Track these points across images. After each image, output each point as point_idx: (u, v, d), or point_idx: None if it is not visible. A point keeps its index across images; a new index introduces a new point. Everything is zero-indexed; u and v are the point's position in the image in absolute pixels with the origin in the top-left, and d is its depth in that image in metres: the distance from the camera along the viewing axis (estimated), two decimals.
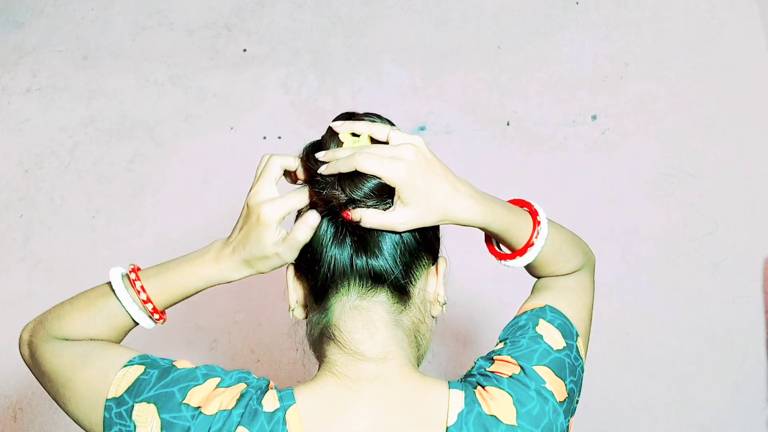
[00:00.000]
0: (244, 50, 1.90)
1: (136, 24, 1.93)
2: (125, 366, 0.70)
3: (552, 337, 0.72)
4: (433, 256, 0.73)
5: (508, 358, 0.70)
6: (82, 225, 1.79)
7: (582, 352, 0.75)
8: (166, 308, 0.77)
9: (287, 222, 0.70)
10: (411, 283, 0.70)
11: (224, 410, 0.65)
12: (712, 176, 1.74)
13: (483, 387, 0.67)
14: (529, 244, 0.74)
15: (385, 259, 0.67)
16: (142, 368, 0.70)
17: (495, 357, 0.71)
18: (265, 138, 1.82)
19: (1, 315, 1.72)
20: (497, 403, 0.65)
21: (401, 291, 0.69)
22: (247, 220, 0.70)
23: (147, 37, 1.92)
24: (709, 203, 1.72)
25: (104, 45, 1.92)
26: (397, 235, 0.68)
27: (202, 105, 1.86)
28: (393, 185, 0.65)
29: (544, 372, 0.68)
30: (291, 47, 1.89)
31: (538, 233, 0.74)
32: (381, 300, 0.69)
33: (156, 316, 0.76)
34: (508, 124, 1.81)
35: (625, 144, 1.76)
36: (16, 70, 1.91)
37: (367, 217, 0.66)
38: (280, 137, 1.82)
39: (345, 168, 0.66)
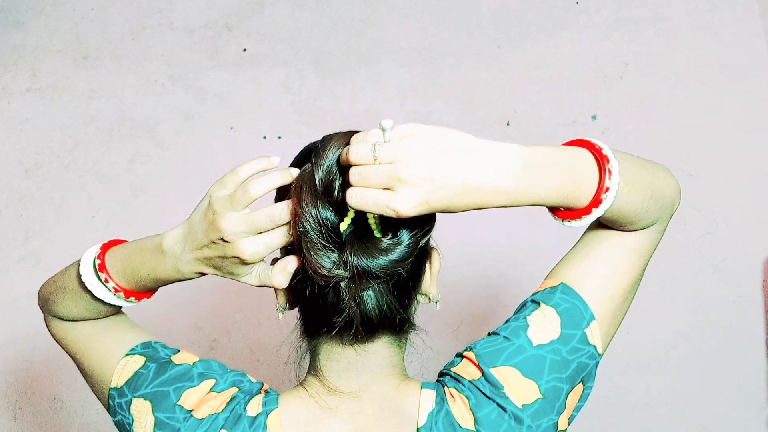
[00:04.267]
0: (244, 50, 1.90)
1: (136, 24, 1.93)
2: (127, 355, 0.71)
3: (543, 327, 0.66)
4: (427, 254, 0.70)
5: (473, 357, 0.67)
6: (82, 225, 1.79)
7: (594, 338, 0.68)
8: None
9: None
10: (410, 310, 0.68)
11: (212, 414, 0.66)
12: (712, 176, 1.74)
13: (449, 387, 0.67)
14: (589, 209, 0.60)
15: (387, 309, 0.64)
16: (142, 360, 0.71)
17: (464, 354, 0.69)
18: (265, 138, 1.82)
19: (1, 315, 1.72)
20: (458, 406, 0.65)
21: (403, 327, 0.68)
22: (219, 248, 0.62)
23: (147, 37, 1.92)
24: (709, 203, 1.72)
25: (104, 45, 1.92)
26: (394, 281, 0.63)
27: (202, 105, 1.86)
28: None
29: (506, 374, 0.65)
30: (291, 47, 1.89)
31: (606, 189, 0.59)
32: (379, 341, 0.68)
33: (133, 297, 0.71)
34: (508, 124, 1.81)
35: (625, 144, 1.75)
36: (16, 70, 1.91)
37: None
38: (280, 137, 1.82)
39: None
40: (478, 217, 1.68)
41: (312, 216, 0.59)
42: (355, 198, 0.56)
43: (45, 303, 0.77)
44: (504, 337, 0.68)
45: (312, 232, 0.59)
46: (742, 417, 1.64)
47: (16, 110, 1.88)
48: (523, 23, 1.87)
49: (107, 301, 0.70)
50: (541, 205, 0.60)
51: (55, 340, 0.78)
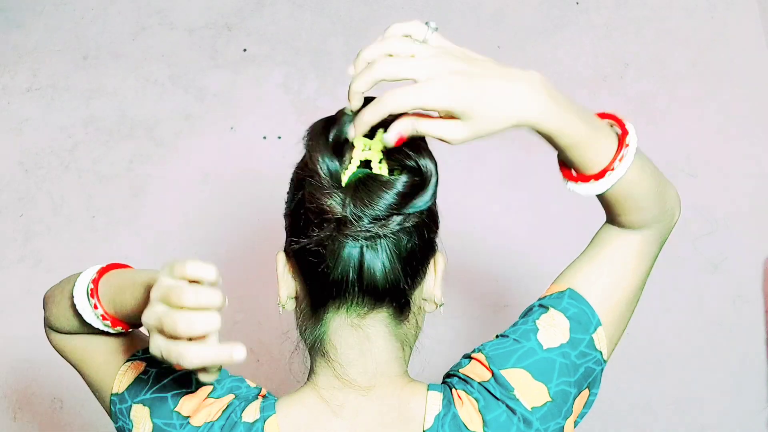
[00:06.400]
0: (244, 50, 1.90)
1: (136, 24, 1.93)
2: (128, 361, 0.71)
3: (552, 331, 0.67)
4: (432, 252, 0.68)
5: (483, 358, 0.67)
6: (82, 225, 1.79)
7: (600, 344, 0.68)
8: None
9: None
10: (412, 292, 0.67)
11: (208, 422, 0.65)
12: (712, 176, 1.74)
13: (457, 389, 0.66)
14: (602, 174, 0.61)
15: (391, 274, 0.62)
16: (142, 365, 0.70)
17: (473, 355, 0.69)
18: (265, 138, 1.82)
19: (1, 315, 1.72)
20: (466, 409, 0.65)
21: (403, 305, 0.67)
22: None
23: (147, 37, 1.92)
24: (709, 203, 1.72)
25: (104, 45, 1.92)
26: (399, 247, 0.62)
27: (202, 105, 1.86)
28: (433, 100, 0.55)
29: (517, 376, 0.65)
30: (291, 47, 1.89)
31: (622, 157, 0.60)
32: (381, 317, 0.66)
33: (120, 327, 0.68)
34: None
35: None
36: (16, 70, 1.91)
37: (423, 126, 0.56)
38: (280, 137, 1.82)
39: (363, 85, 0.57)
40: (480, 217, 1.69)
41: (319, 158, 0.60)
42: (384, 64, 0.58)
43: (45, 313, 0.75)
44: (514, 339, 0.67)
45: (318, 170, 0.60)
46: (742, 417, 1.64)
47: (16, 110, 1.88)
48: (523, 23, 1.87)
49: (95, 326, 0.67)
50: (562, 137, 0.59)
51: (55, 350, 0.77)
